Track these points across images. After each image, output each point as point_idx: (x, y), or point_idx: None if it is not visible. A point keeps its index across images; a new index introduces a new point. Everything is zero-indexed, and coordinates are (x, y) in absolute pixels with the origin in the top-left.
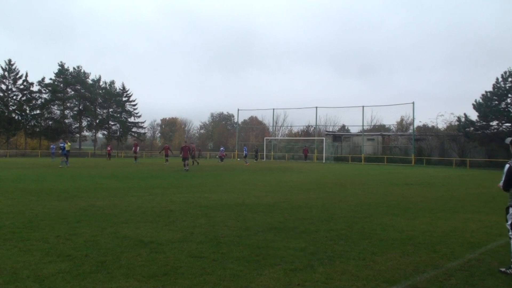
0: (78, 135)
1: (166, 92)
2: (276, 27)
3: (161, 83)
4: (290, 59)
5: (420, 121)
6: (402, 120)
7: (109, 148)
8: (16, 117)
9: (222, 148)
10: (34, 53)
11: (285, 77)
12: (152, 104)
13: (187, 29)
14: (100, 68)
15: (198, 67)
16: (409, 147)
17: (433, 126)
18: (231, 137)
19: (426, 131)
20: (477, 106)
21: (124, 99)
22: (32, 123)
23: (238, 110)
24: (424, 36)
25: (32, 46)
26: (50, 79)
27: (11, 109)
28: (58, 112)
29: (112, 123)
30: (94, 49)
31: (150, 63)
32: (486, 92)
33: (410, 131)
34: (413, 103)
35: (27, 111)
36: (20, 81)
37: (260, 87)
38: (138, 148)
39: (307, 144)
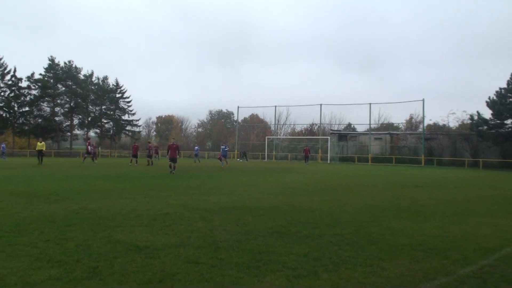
0: (69, 133)
1: (161, 88)
2: (276, 18)
3: (156, 78)
4: (291, 53)
5: (430, 120)
6: (411, 118)
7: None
8: (4, 115)
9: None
10: (22, 47)
11: (287, 73)
12: (147, 101)
13: (180, 20)
14: (91, 63)
15: (194, 61)
16: (419, 147)
17: (444, 125)
18: (231, 136)
19: (436, 130)
20: (490, 104)
21: (117, 95)
22: (21, 121)
23: (238, 107)
24: (432, 28)
25: (19, 40)
26: (40, 74)
27: None
28: (48, 109)
29: (105, 121)
30: (83, 43)
31: (143, 57)
32: (500, 88)
33: (420, 130)
34: (423, 100)
35: (15, 108)
36: (8, 77)
37: (260, 83)
38: (91, 146)
39: (310, 144)
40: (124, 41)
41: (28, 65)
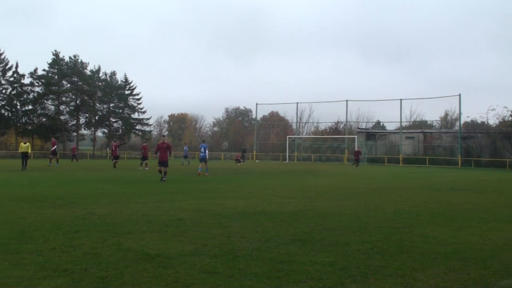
0: (75, 133)
1: (174, 84)
2: (292, 3)
3: (167, 74)
4: (312, 43)
5: (467, 116)
6: (446, 115)
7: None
8: (6, 114)
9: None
10: (23, 41)
11: (309, 65)
12: (158, 98)
13: (188, 8)
14: (95, 56)
15: (206, 54)
16: (455, 147)
17: (483, 122)
18: (249, 135)
19: (474, 128)
20: None
21: (126, 92)
22: (24, 120)
23: (257, 104)
24: (470, 11)
25: (19, 33)
26: (43, 70)
27: (0, 104)
28: (53, 107)
29: (114, 120)
30: (86, 34)
31: (152, 50)
32: None
33: (456, 127)
34: (459, 95)
35: (18, 107)
36: (9, 73)
37: (280, 78)
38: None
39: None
40: (130, 32)
41: (31, 60)
